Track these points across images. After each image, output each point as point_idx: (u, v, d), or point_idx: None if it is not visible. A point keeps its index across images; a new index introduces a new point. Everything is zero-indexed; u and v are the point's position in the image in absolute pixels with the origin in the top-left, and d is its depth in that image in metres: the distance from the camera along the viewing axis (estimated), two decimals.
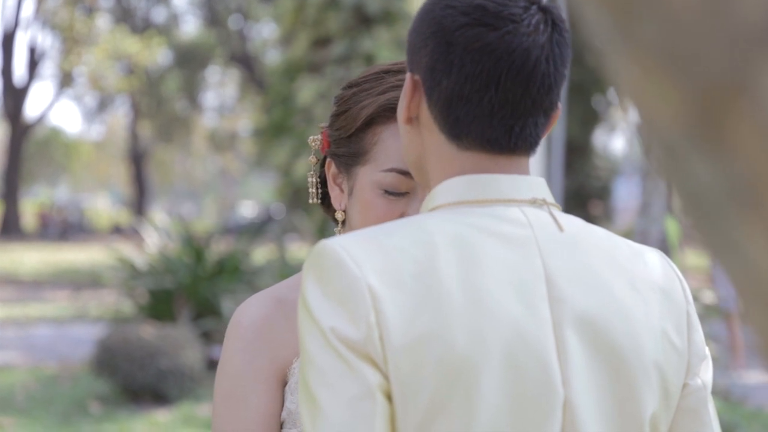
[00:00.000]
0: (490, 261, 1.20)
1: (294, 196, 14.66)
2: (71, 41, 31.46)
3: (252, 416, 1.51)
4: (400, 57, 13.23)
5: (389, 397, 1.15)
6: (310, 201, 1.68)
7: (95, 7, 34.10)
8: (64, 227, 39.33)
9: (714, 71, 0.53)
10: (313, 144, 1.66)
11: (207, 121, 48.11)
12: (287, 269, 9.67)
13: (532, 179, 1.28)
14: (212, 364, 8.65)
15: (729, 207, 0.56)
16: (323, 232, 11.15)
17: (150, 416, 7.81)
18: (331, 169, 1.62)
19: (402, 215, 1.51)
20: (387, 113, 1.54)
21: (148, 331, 8.11)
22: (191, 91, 42.34)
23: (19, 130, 35.83)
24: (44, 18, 35.63)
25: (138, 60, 29.83)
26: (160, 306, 9.32)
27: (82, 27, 31.13)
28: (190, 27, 47.40)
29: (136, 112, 42.63)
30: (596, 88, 26.12)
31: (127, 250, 11.42)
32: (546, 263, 1.22)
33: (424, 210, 1.30)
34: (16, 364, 10.27)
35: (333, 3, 14.42)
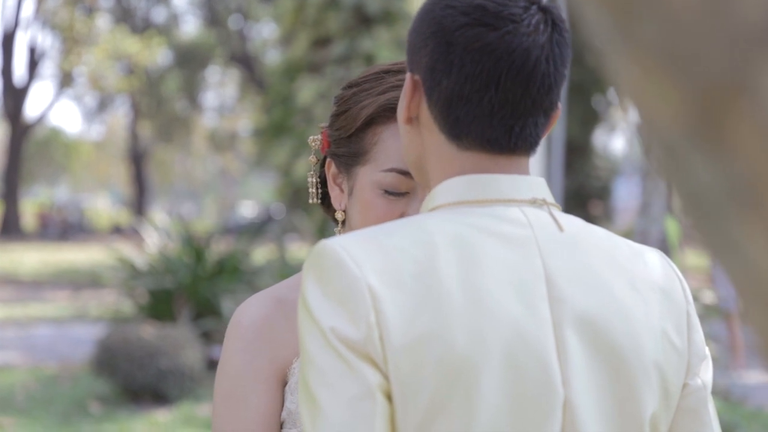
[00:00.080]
0: (490, 261, 1.20)
1: (294, 196, 14.66)
2: (71, 41, 31.46)
3: (252, 416, 1.51)
4: (400, 57, 13.22)
5: (389, 397, 1.15)
6: (310, 201, 1.68)
7: (95, 7, 34.10)
8: (64, 227, 39.33)
9: (714, 71, 0.53)
10: (313, 144, 1.66)
11: (207, 121, 48.12)
12: (287, 269, 9.67)
13: (532, 179, 1.28)
14: (212, 364, 8.65)
15: (729, 207, 0.55)
16: (323, 232, 11.16)
17: (150, 416, 7.81)
18: (331, 169, 1.62)
19: (402, 215, 1.51)
20: (387, 113, 1.54)
21: (148, 331, 8.11)
22: (191, 91, 42.35)
23: (19, 130, 35.83)
24: (44, 18, 35.63)
25: (138, 60, 29.83)
26: (160, 306, 9.32)
27: (82, 27, 31.13)
28: (190, 27, 47.41)
29: (136, 112, 42.63)
30: (596, 88, 26.12)
31: (127, 250, 11.42)
32: (546, 263, 1.22)
33: (424, 210, 1.30)
34: (16, 364, 10.27)
35: (333, 3, 14.42)
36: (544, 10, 1.26)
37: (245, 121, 42.32)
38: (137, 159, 43.13)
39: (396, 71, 1.57)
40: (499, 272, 1.19)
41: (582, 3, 0.58)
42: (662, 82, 0.55)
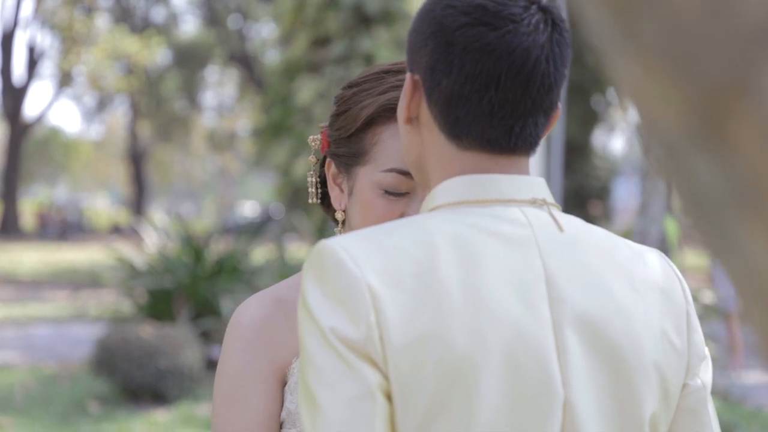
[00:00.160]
0: (490, 261, 1.19)
1: (293, 196, 14.66)
2: (70, 41, 31.47)
3: (251, 416, 1.51)
4: (399, 57, 13.23)
5: (389, 397, 1.15)
6: (310, 201, 1.68)
7: (94, 6, 34.10)
8: (63, 227, 39.32)
9: (715, 71, 0.53)
10: (313, 144, 1.66)
11: (206, 120, 48.13)
12: (286, 269, 9.67)
13: (532, 179, 1.28)
14: (211, 364, 8.65)
15: (730, 207, 0.55)
16: (322, 232, 11.16)
17: (149, 416, 7.81)
18: (331, 169, 1.62)
19: (402, 215, 1.51)
20: (387, 113, 1.54)
21: (147, 331, 8.11)
22: (190, 90, 42.37)
23: (18, 129, 35.83)
24: (43, 17, 35.63)
25: (137, 60, 29.84)
26: (159, 306, 9.31)
27: (81, 26, 31.14)
28: (190, 27, 47.43)
29: (136, 111, 42.65)
30: (596, 88, 26.14)
31: (126, 249, 11.41)
32: (546, 263, 1.22)
33: (424, 210, 1.30)
34: (15, 364, 10.27)
35: (332, 3, 14.42)
36: (544, 9, 1.26)
37: (244, 121, 42.34)
38: (136, 159, 43.14)
39: (396, 71, 1.57)
40: (499, 272, 1.19)
41: (583, 3, 0.58)
42: (663, 82, 0.55)
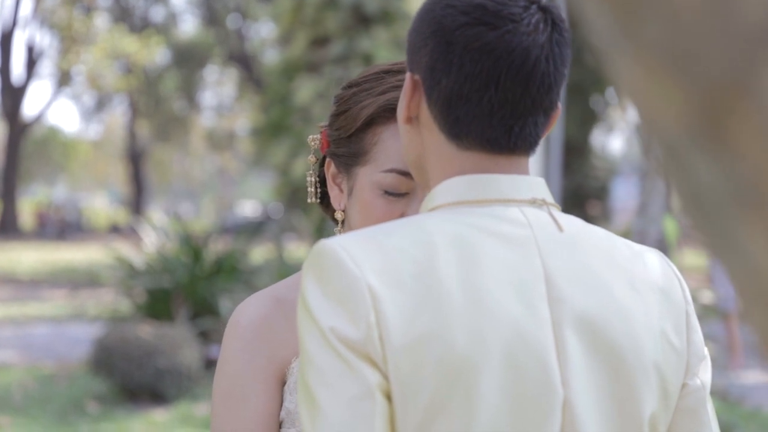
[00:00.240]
0: (490, 261, 1.19)
1: (292, 196, 14.66)
2: (69, 40, 31.47)
3: (251, 416, 1.51)
4: (398, 57, 13.23)
5: (389, 397, 1.15)
6: (309, 200, 1.68)
7: (93, 6, 34.10)
8: (62, 226, 39.33)
9: (716, 71, 0.53)
10: (313, 143, 1.66)
11: (205, 120, 48.12)
12: (285, 269, 9.66)
13: (532, 179, 1.28)
14: (210, 364, 8.64)
15: (731, 207, 0.55)
16: (321, 232, 11.15)
17: (148, 415, 7.81)
18: (331, 168, 1.62)
19: (402, 216, 1.51)
20: (387, 113, 1.53)
21: (146, 331, 8.11)
22: (189, 90, 42.37)
23: (17, 129, 35.82)
24: (42, 17, 35.62)
25: (136, 59, 29.84)
26: (157, 305, 9.31)
27: (80, 26, 31.14)
28: (189, 26, 47.43)
29: (134, 111, 42.64)
30: (594, 88, 26.15)
31: (124, 249, 11.41)
32: (545, 263, 1.22)
33: (423, 210, 1.30)
34: (13, 363, 10.26)
35: (331, 3, 14.42)
36: (544, 9, 1.26)
37: (243, 121, 42.34)
38: (135, 158, 43.14)
39: (396, 71, 1.57)
40: (498, 272, 1.19)
41: (583, 3, 0.58)
42: (664, 82, 0.55)
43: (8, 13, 35.97)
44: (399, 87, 1.52)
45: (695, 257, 21.11)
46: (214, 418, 1.53)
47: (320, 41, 14.63)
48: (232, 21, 39.43)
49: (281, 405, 1.53)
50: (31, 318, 14.28)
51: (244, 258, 10.02)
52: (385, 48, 14.28)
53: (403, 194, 1.52)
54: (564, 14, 1.28)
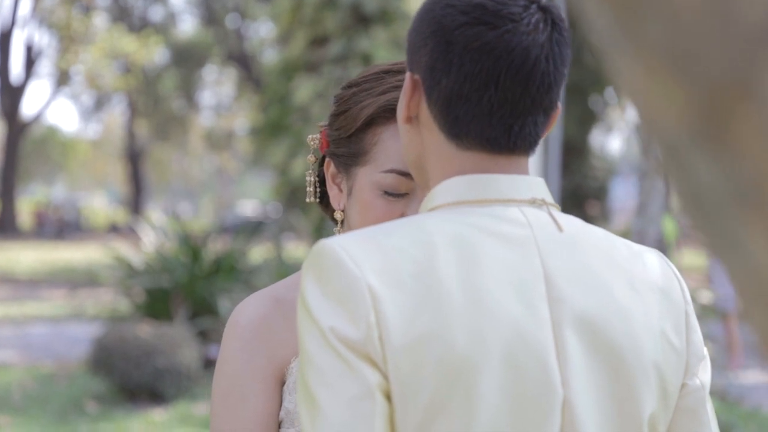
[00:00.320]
0: (490, 261, 1.19)
1: (291, 195, 14.65)
2: (68, 40, 31.46)
3: (250, 416, 1.51)
4: (397, 57, 13.23)
5: (389, 397, 1.15)
6: (308, 200, 1.68)
7: (92, 5, 34.09)
8: (61, 226, 39.30)
9: (717, 71, 0.53)
10: (312, 143, 1.66)
11: (204, 120, 48.11)
12: (284, 268, 9.66)
13: (532, 179, 1.28)
14: (209, 363, 8.64)
15: (731, 207, 0.55)
16: (320, 232, 11.15)
17: (146, 415, 7.81)
18: (330, 168, 1.62)
19: (401, 216, 1.51)
20: (387, 114, 1.53)
21: (145, 330, 8.11)
22: (188, 89, 42.37)
23: (16, 128, 35.80)
24: (41, 16, 35.60)
25: (135, 59, 29.84)
26: (156, 305, 9.31)
27: (79, 25, 31.13)
28: (187, 26, 47.44)
29: (133, 110, 42.63)
30: (593, 88, 26.14)
31: (123, 248, 11.40)
32: (545, 263, 1.22)
33: (423, 210, 1.30)
34: (12, 363, 10.26)
35: (330, 2, 14.41)
36: (544, 9, 1.26)
37: (242, 120, 42.33)
38: (134, 158, 43.13)
39: (396, 71, 1.57)
40: (498, 272, 1.19)
41: (584, 2, 0.58)
42: (666, 81, 0.55)
43: (7, 12, 35.96)
44: (399, 87, 1.52)
45: (694, 257, 21.12)
46: (214, 417, 1.53)
47: (319, 41, 14.62)
48: (231, 20, 39.43)
49: (280, 405, 1.53)
50: (29, 318, 14.27)
51: (242, 258, 10.02)
52: (384, 48, 14.27)
53: (403, 194, 1.52)
54: (563, 14, 1.28)
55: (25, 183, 49.25)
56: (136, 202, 42.15)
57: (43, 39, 38.58)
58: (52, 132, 49.39)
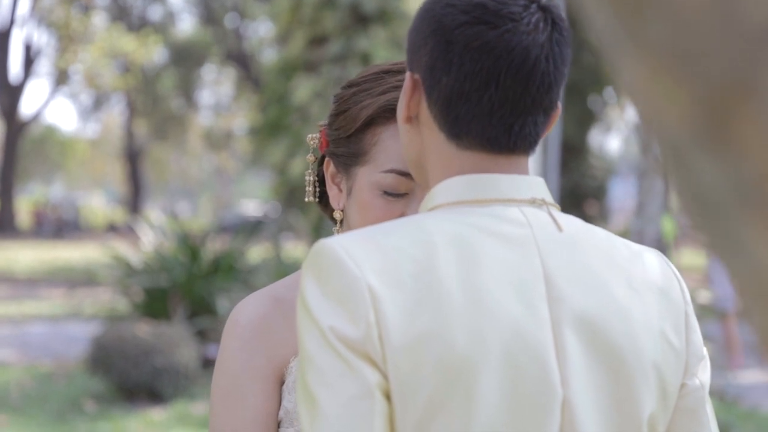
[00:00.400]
0: (490, 261, 1.19)
1: (290, 195, 14.65)
2: (67, 39, 31.46)
3: (249, 415, 1.51)
4: (396, 56, 13.23)
5: (388, 397, 1.15)
6: (306, 199, 1.68)
7: (91, 5, 34.08)
8: (59, 225, 39.28)
9: (719, 71, 0.53)
10: (312, 142, 1.66)
11: (203, 119, 48.11)
12: (283, 268, 9.66)
13: (532, 179, 1.28)
14: (207, 363, 8.64)
15: (733, 207, 0.55)
16: (319, 231, 11.15)
17: (145, 414, 7.80)
18: (330, 168, 1.61)
19: (401, 216, 1.51)
20: (387, 114, 1.53)
21: (143, 330, 8.11)
22: (187, 89, 42.38)
23: (15, 127, 35.80)
24: (40, 15, 35.59)
25: (134, 58, 29.84)
26: (155, 304, 9.31)
27: (78, 25, 31.12)
28: (186, 25, 47.44)
29: (132, 110, 42.64)
30: (592, 88, 26.15)
31: (122, 248, 11.40)
32: (545, 263, 1.22)
33: (423, 209, 1.29)
34: (10, 362, 10.26)
35: (329, 2, 14.41)
36: (544, 8, 1.26)
37: (241, 120, 42.31)
38: (132, 157, 43.13)
39: (396, 71, 1.56)
40: (498, 272, 1.19)
41: (586, 2, 0.57)
42: (667, 81, 0.55)
43: (6, 11, 35.95)
44: (399, 87, 1.52)
45: (693, 257, 21.14)
46: (213, 417, 1.53)
47: (318, 40, 14.62)
48: (229, 20, 39.42)
49: (280, 404, 1.53)
50: (28, 317, 14.27)
51: (241, 257, 10.02)
52: (383, 47, 14.27)
53: (403, 194, 1.52)
54: (563, 13, 1.28)
55: (24, 182, 49.24)
56: (134, 201, 42.15)
57: (41, 38, 38.63)
58: (51, 131, 49.38)
